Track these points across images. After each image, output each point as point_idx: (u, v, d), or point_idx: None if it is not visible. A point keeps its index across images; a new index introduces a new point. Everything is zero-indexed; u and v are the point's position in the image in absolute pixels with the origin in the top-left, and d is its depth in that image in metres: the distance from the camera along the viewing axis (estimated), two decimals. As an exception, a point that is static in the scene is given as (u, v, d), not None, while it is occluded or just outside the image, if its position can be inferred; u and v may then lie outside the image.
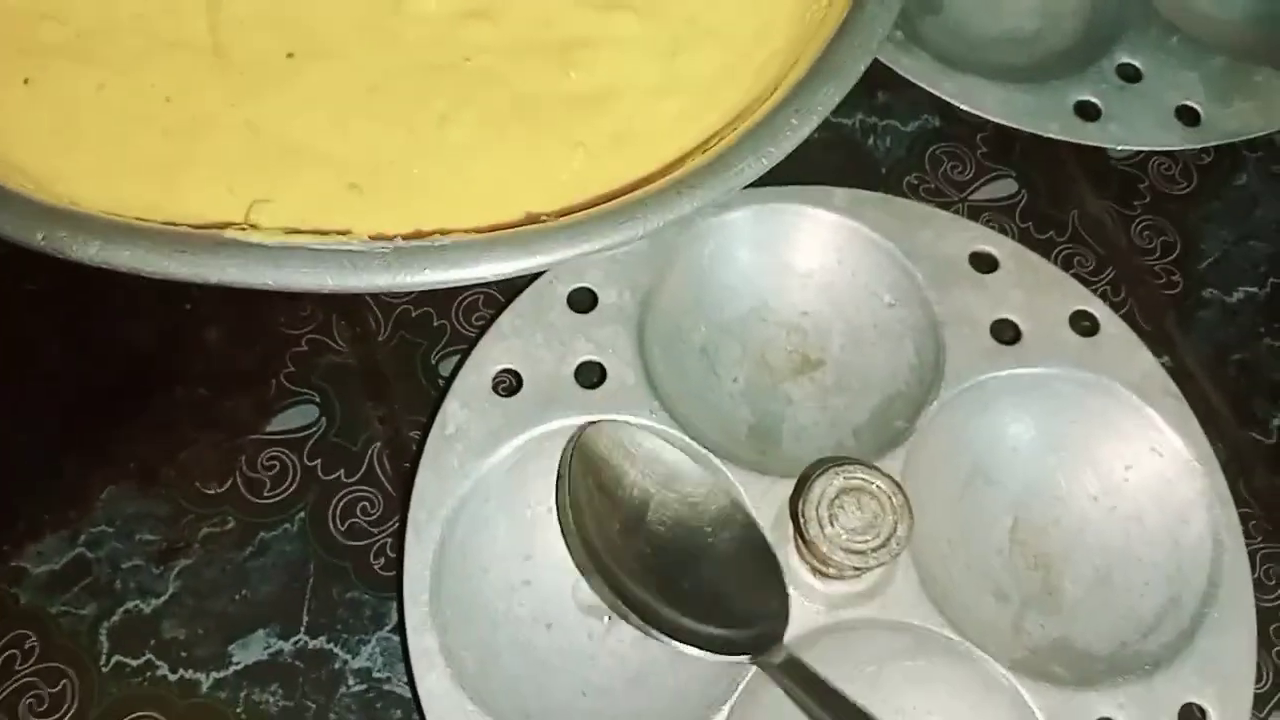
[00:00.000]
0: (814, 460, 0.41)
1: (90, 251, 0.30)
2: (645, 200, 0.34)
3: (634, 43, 0.41)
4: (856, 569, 0.38)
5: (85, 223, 0.31)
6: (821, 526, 0.37)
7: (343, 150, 0.37)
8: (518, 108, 0.39)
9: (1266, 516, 0.46)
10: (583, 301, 0.44)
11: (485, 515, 0.41)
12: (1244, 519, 0.45)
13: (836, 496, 0.38)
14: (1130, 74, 0.53)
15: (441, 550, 0.39)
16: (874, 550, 0.37)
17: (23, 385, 0.44)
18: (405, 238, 0.32)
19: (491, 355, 0.43)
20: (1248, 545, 0.44)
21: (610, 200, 0.35)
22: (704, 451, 0.41)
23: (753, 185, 0.46)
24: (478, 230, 0.33)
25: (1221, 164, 0.53)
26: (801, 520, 0.38)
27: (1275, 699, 0.42)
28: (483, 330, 0.44)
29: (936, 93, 0.51)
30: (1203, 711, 0.40)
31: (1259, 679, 0.42)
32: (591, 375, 0.43)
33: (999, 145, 0.52)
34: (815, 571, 0.39)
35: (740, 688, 0.38)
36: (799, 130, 0.35)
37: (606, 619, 0.41)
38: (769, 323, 0.47)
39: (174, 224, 0.31)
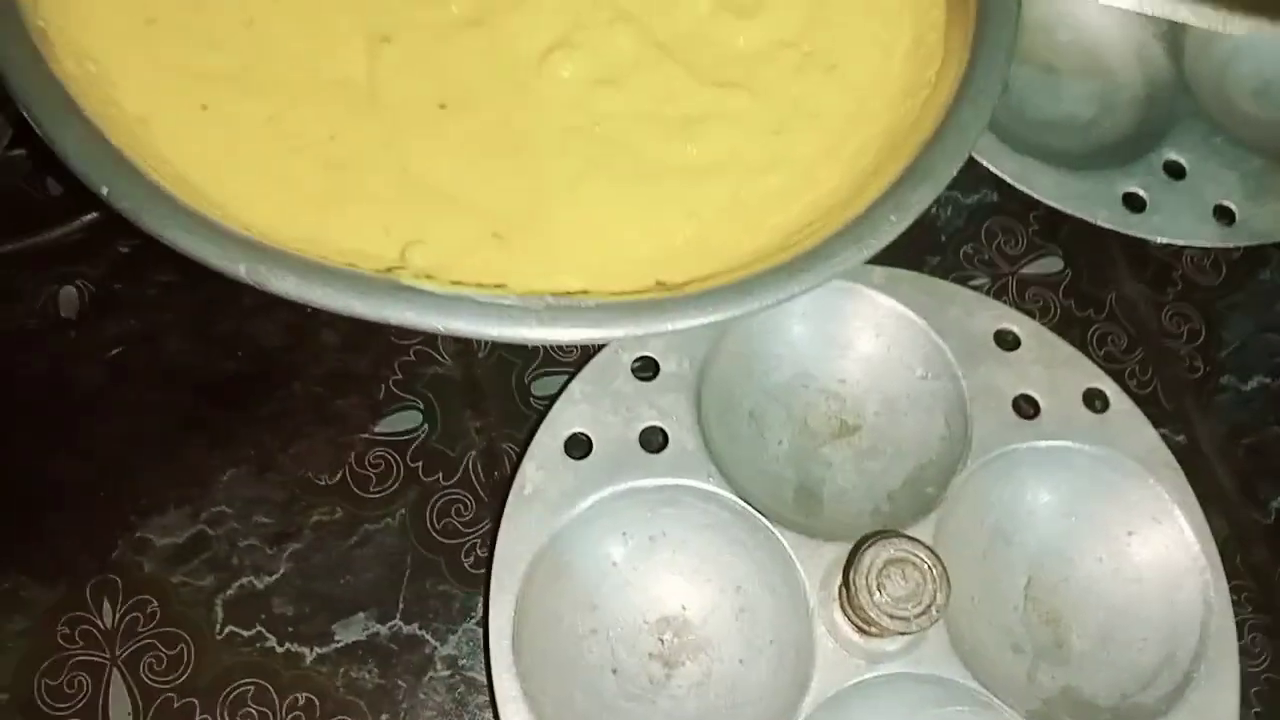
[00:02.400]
0: (854, 525, 0.46)
1: (286, 286, 0.34)
2: (761, 278, 0.38)
3: (744, 120, 0.45)
4: (900, 633, 0.42)
5: (281, 258, 0.34)
6: (870, 594, 0.42)
7: (486, 200, 0.40)
8: (640, 174, 0.42)
9: (1259, 589, 0.51)
10: (646, 370, 0.48)
11: (559, 569, 0.45)
12: (1238, 590, 0.50)
13: (884, 567, 0.42)
14: (1175, 169, 0.57)
15: (521, 603, 0.43)
16: (916, 617, 0.42)
17: (155, 372, 0.47)
18: (555, 295, 0.36)
19: (564, 420, 0.47)
20: (1239, 615, 0.49)
21: (721, 273, 0.39)
22: (756, 515, 0.46)
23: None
24: (616, 293, 0.37)
25: (1249, 259, 0.58)
26: (853, 589, 0.42)
27: (1255, 753, 0.48)
28: (574, 359, 0.48)
29: (996, 171, 0.55)
30: (1192, 758, 0.45)
31: (1242, 733, 0.47)
32: (655, 439, 0.47)
33: (1049, 225, 0.56)
34: (858, 630, 0.44)
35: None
36: (897, 226, 0.39)
37: (664, 666, 0.45)
38: (811, 389, 0.51)
39: (354, 265, 0.35)
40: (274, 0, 0.44)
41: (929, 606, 0.42)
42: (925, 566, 0.42)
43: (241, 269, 0.34)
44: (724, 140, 0.44)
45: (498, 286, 0.36)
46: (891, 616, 0.42)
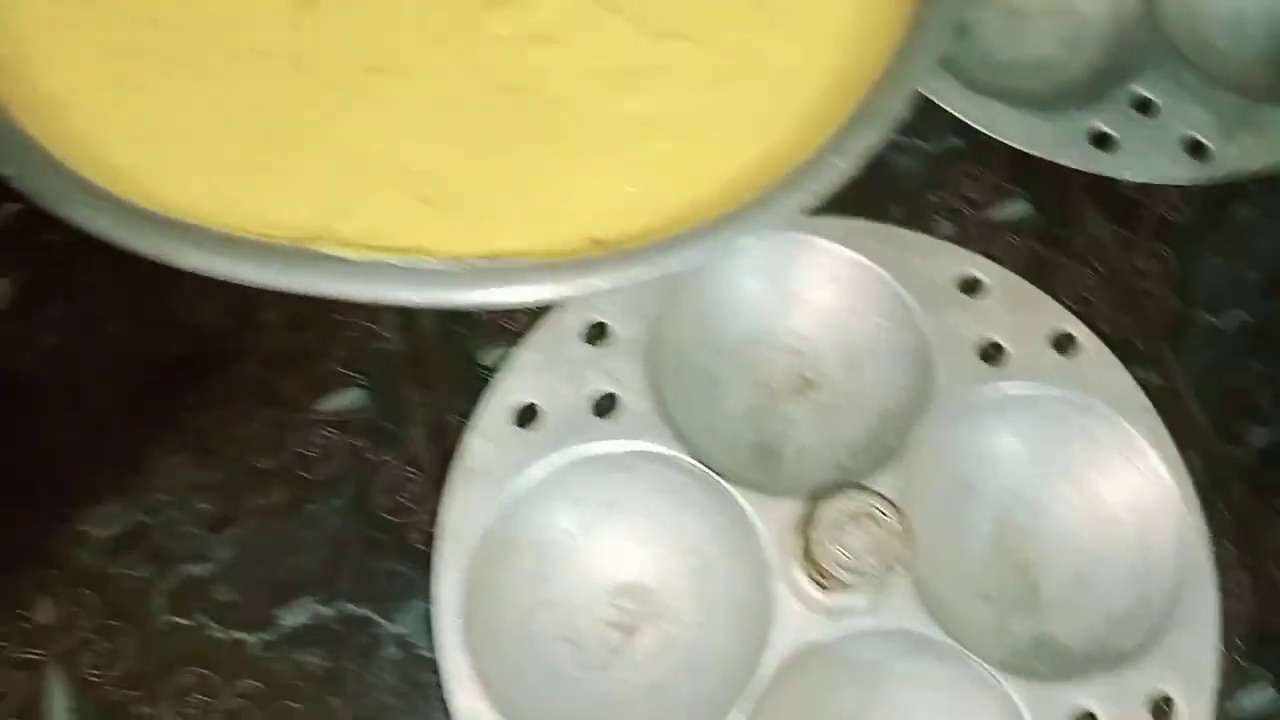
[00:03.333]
0: (817, 480, 0.44)
1: (192, 260, 0.33)
2: (698, 231, 0.36)
3: (689, 71, 0.43)
4: (861, 588, 0.41)
5: (187, 233, 0.33)
6: (830, 549, 0.40)
7: (417, 165, 0.39)
8: (579, 131, 0.41)
9: (1238, 528, 0.49)
10: (596, 334, 0.47)
11: (508, 542, 0.43)
12: (1219, 531, 0.48)
13: (844, 520, 0.41)
14: (1145, 106, 0.55)
15: (468, 577, 0.42)
16: (877, 571, 0.40)
17: (91, 361, 0.46)
18: (480, 257, 0.35)
19: (510, 389, 0.45)
20: (1222, 555, 0.47)
21: (661, 227, 0.37)
22: (712, 475, 0.44)
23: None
24: (546, 253, 0.36)
25: (1224, 195, 0.56)
26: (810, 542, 0.41)
27: (1233, 695, 0.46)
28: (522, 327, 0.47)
29: (961, 116, 0.53)
30: (1169, 700, 0.44)
31: (1220, 677, 0.45)
32: (606, 405, 0.45)
33: (1017, 169, 0.54)
34: (819, 586, 0.42)
35: (750, 695, 0.41)
36: (841, 170, 0.38)
37: (622, 634, 0.44)
38: (769, 347, 0.49)
39: (267, 235, 0.34)
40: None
41: (890, 559, 0.41)
42: (885, 518, 0.41)
43: (143, 244, 0.33)
44: (668, 93, 0.42)
45: (420, 252, 0.35)
46: (852, 571, 0.41)
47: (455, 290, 0.34)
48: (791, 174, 0.37)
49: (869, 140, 0.39)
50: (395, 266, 0.33)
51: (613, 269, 0.35)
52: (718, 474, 0.44)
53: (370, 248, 0.35)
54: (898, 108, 0.39)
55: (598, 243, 0.38)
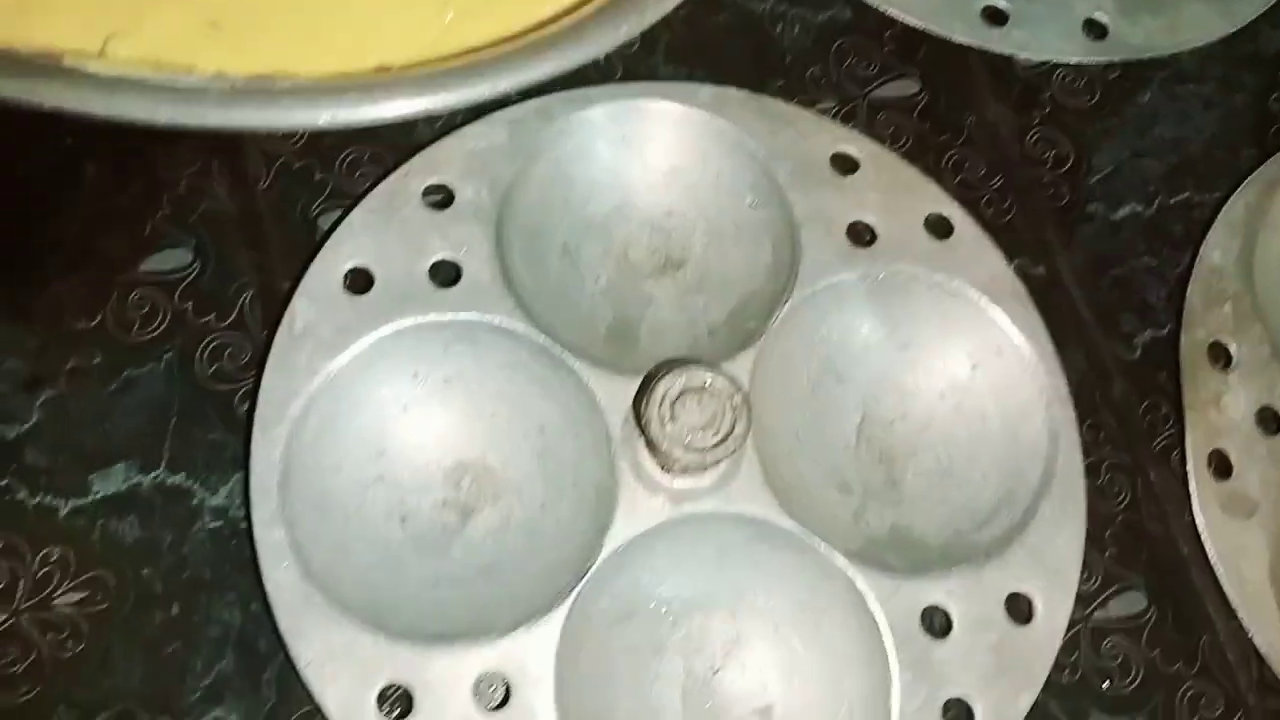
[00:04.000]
0: (660, 361, 0.42)
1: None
2: (497, 61, 0.34)
3: None
4: (698, 466, 0.39)
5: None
6: (663, 424, 0.38)
7: None
8: None
9: (1118, 427, 0.47)
10: (439, 198, 0.44)
11: (336, 413, 0.41)
12: (1096, 428, 0.46)
13: (678, 396, 0.39)
14: (1045, -19, 0.52)
15: (290, 447, 0.40)
16: (713, 447, 0.38)
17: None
18: (247, 79, 0.32)
19: (342, 252, 0.42)
20: (1098, 454, 0.46)
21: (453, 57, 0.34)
22: (559, 352, 0.42)
23: (620, 79, 0.46)
24: (324, 77, 0.33)
25: (1126, 80, 0.53)
26: (643, 420, 0.39)
27: (1100, 599, 0.45)
28: (365, 190, 0.44)
29: (847, -15, 0.51)
30: (1029, 601, 0.42)
31: (1088, 578, 0.44)
32: (446, 274, 0.43)
33: (906, 44, 0.52)
34: (662, 467, 0.41)
35: (584, 580, 0.40)
36: (662, 3, 0.35)
37: (459, 513, 0.42)
38: (632, 221, 0.47)
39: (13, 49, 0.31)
40: None
41: (726, 436, 0.39)
42: (723, 394, 0.39)
43: None
44: None
45: (186, 68, 0.32)
46: (686, 448, 0.38)
47: (208, 110, 0.31)
48: (607, 6, 0.34)
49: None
50: (144, 83, 0.30)
51: (384, 96, 0.32)
52: (566, 350, 0.42)
53: (160, 64, 0.32)
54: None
55: (383, 69, 0.35)
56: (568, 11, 0.36)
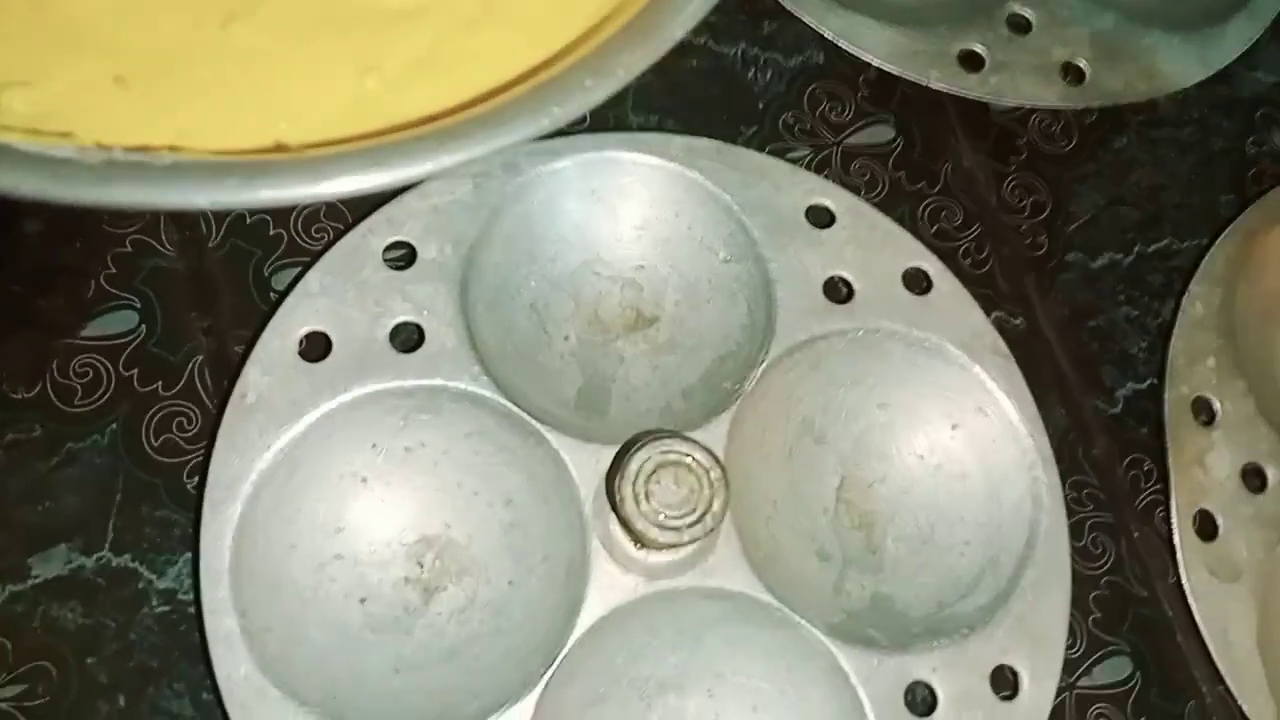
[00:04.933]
0: (639, 427, 0.40)
1: None
2: (401, 146, 0.31)
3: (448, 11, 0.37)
4: (673, 545, 0.37)
5: None
6: (637, 503, 0.37)
7: (123, 37, 0.33)
8: (316, 18, 0.35)
9: (1101, 486, 0.46)
10: (400, 258, 0.42)
11: (291, 489, 0.39)
12: (1079, 486, 0.45)
13: (653, 472, 0.37)
14: (1021, 24, 0.51)
15: (242, 528, 0.38)
16: (689, 526, 0.37)
17: None
18: (128, 149, 0.29)
19: (297, 317, 0.40)
20: (1081, 513, 0.45)
21: (368, 137, 0.32)
22: (527, 419, 0.40)
23: (593, 130, 0.45)
24: (215, 152, 0.31)
25: (1103, 125, 0.52)
26: (616, 497, 0.37)
27: (1085, 665, 0.43)
28: (323, 246, 0.42)
29: (821, 29, 0.49)
30: (1014, 673, 0.41)
31: (1072, 643, 0.43)
32: (409, 337, 0.41)
33: (881, 89, 0.50)
34: (635, 543, 0.39)
35: (556, 664, 0.38)
36: (592, 94, 0.33)
37: (422, 592, 0.40)
38: (602, 277, 0.45)
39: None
40: None
41: (704, 514, 0.37)
42: (699, 468, 0.37)
43: None
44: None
45: (63, 135, 0.30)
46: (661, 527, 0.37)
47: (81, 186, 0.28)
48: (534, 92, 0.32)
49: (636, 62, 0.34)
50: (14, 150, 0.28)
51: (273, 181, 0.30)
52: (534, 417, 0.40)
53: (35, 132, 0.29)
54: (679, 28, 0.34)
55: (281, 147, 0.33)
56: (503, 88, 0.34)
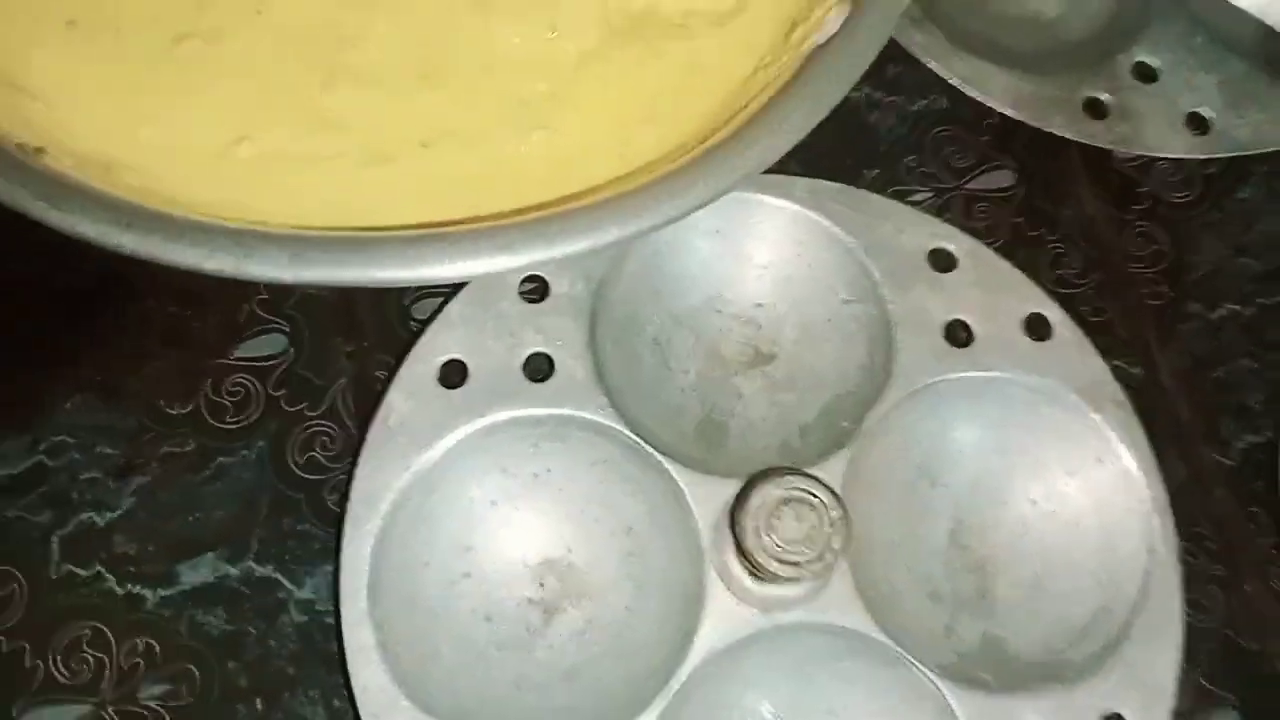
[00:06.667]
0: (758, 462, 0.41)
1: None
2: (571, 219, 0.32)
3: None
4: (793, 579, 0.38)
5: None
6: (759, 536, 0.38)
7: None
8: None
9: (1217, 538, 0.46)
10: (534, 291, 0.44)
11: (427, 509, 0.41)
12: (1196, 539, 0.45)
13: (776, 507, 0.38)
14: (1147, 73, 0.51)
15: (381, 544, 0.40)
16: (809, 562, 0.38)
17: (-12, 287, 0.44)
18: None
19: (438, 344, 0.42)
20: (1195, 566, 0.44)
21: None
22: (650, 451, 0.41)
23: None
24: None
25: (1227, 175, 0.52)
26: (738, 529, 0.38)
27: (1194, 717, 0.43)
28: (456, 285, 0.44)
29: (945, 74, 0.50)
30: (1123, 720, 0.41)
31: (1181, 696, 0.43)
32: (540, 368, 0.42)
33: (1003, 134, 0.51)
34: (751, 575, 0.40)
35: (673, 688, 0.39)
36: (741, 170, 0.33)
37: (543, 613, 0.42)
38: (724, 314, 0.46)
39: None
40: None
41: (824, 550, 0.38)
42: (822, 506, 0.38)
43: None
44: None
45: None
46: (782, 561, 0.38)
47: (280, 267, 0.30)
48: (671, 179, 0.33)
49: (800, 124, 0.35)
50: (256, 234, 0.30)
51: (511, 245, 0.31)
52: (656, 449, 0.42)
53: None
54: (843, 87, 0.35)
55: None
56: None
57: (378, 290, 0.45)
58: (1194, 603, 0.44)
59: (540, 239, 0.31)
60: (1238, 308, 0.50)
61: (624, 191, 0.33)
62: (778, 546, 0.38)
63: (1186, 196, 0.51)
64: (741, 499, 0.39)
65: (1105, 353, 0.46)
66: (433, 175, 0.35)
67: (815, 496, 0.38)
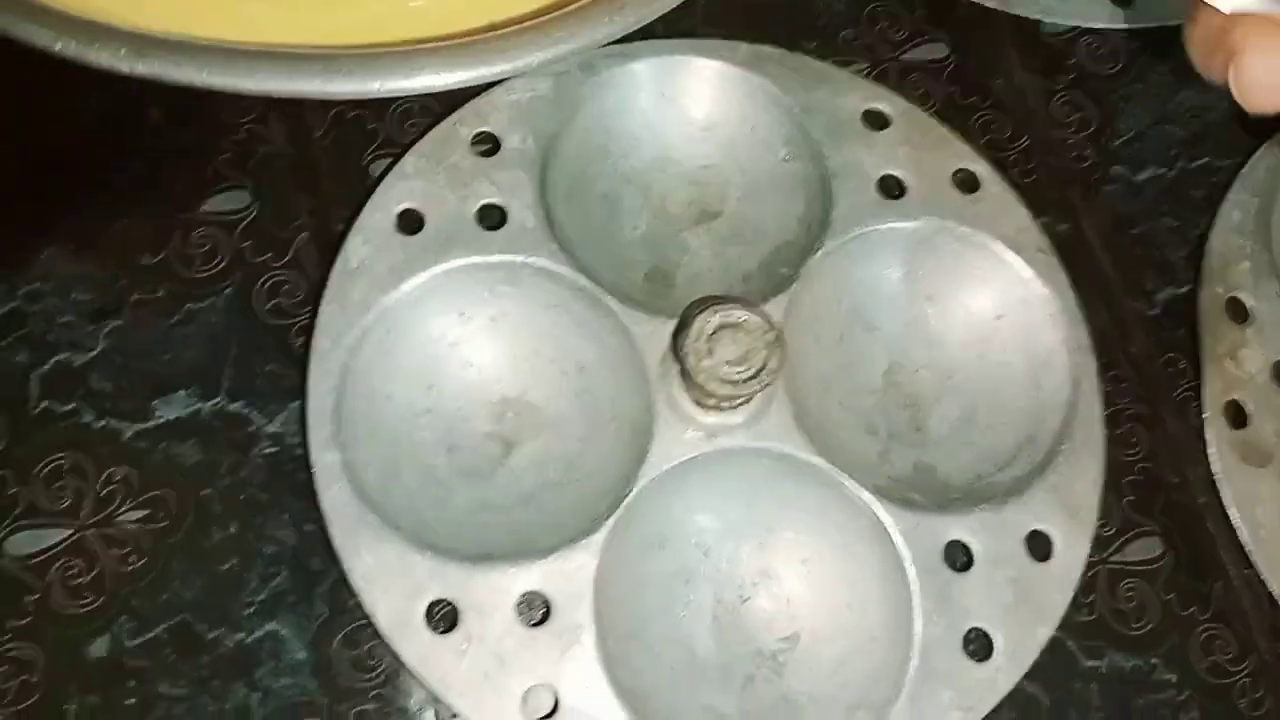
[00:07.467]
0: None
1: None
2: (494, 44, 0.35)
3: None
4: (732, 398, 0.41)
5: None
6: (699, 359, 0.40)
7: None
8: None
9: (1139, 380, 0.49)
10: (486, 146, 0.46)
11: (388, 345, 0.43)
12: (1116, 380, 0.48)
13: (714, 332, 0.40)
14: (1072, -54, 0.54)
15: (345, 375, 0.42)
16: (747, 380, 0.40)
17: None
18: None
19: (394, 194, 0.44)
20: (1119, 404, 0.47)
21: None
22: (600, 294, 0.44)
23: (660, 37, 0.48)
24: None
25: (1151, 48, 0.55)
26: (681, 353, 0.40)
27: (1117, 543, 0.46)
28: (416, 138, 0.46)
29: (881, -49, 0.52)
30: (1047, 538, 0.44)
31: (1105, 524, 0.45)
32: (493, 217, 0.45)
33: (936, 8, 0.53)
34: (697, 403, 0.42)
35: (621, 508, 0.41)
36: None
37: (502, 444, 0.44)
38: (670, 174, 0.49)
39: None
40: None
41: (761, 369, 0.40)
42: (757, 330, 0.40)
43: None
44: None
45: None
46: (722, 380, 0.40)
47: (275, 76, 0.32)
48: None
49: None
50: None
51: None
52: (605, 291, 0.44)
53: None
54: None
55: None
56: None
57: (336, 150, 0.47)
58: (1117, 439, 0.47)
59: (498, 54, 0.34)
60: (1161, 170, 0.53)
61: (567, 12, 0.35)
62: (717, 368, 0.40)
63: (1112, 68, 0.54)
64: (682, 326, 0.41)
65: (1033, 210, 0.48)
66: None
67: (750, 319, 0.41)
